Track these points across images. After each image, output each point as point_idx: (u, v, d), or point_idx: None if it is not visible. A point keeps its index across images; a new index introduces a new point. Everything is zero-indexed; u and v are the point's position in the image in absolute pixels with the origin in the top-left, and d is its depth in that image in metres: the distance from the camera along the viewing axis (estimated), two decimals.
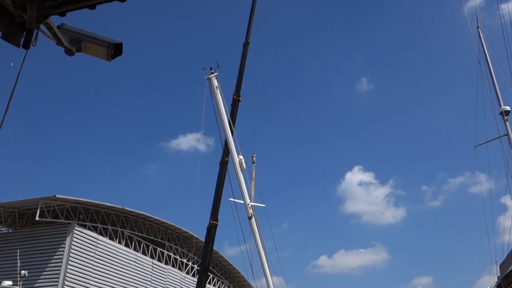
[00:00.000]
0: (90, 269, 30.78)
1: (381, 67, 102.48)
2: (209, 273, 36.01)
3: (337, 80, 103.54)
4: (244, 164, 21.64)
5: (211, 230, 21.18)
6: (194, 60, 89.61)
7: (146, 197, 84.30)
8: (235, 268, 49.09)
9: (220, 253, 46.15)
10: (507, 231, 26.14)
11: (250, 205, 21.75)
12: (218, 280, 48.03)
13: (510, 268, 20.04)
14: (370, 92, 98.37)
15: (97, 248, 31.79)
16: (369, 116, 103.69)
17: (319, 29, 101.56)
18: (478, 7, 31.85)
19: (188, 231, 41.45)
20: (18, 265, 22.38)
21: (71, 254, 29.30)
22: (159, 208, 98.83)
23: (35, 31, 3.45)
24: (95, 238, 31.79)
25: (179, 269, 41.74)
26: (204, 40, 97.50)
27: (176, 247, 41.96)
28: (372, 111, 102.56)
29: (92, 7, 3.46)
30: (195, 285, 24.92)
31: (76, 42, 3.83)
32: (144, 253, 37.25)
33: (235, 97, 23.30)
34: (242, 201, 21.70)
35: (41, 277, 28.74)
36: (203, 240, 21.78)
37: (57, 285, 28.11)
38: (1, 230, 32.86)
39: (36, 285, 27.78)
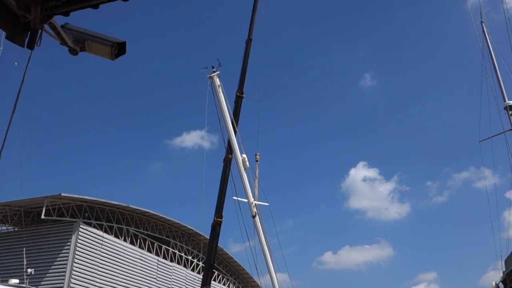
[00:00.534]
0: (96, 267, 30.94)
1: (384, 62, 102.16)
2: (214, 270, 36.14)
3: (340, 76, 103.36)
4: (247, 163, 21.64)
5: (216, 227, 21.25)
6: (197, 57, 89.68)
7: (151, 195, 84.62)
8: (240, 265, 49.21)
9: (225, 250, 46.26)
10: None
11: (254, 204, 21.76)
12: (223, 277, 48.17)
13: None
14: (374, 88, 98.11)
15: (103, 246, 31.93)
16: (373, 111, 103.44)
17: (321, 25, 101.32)
18: (482, 1, 31.66)
19: (193, 228, 41.60)
20: (25, 263, 22.52)
21: (77, 252, 29.46)
22: (164, 206, 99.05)
23: (39, 31, 3.47)
24: (101, 236, 31.93)
25: (184, 266, 41.89)
26: (207, 37, 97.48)
27: (181, 244, 42.10)
28: (376, 107, 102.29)
29: (96, 6, 3.48)
30: (200, 282, 24.99)
31: (80, 42, 3.85)
32: (149, 250, 37.39)
33: (238, 94, 23.26)
34: (246, 200, 21.72)
35: (48, 275, 28.92)
36: (208, 237, 21.86)
37: (63, 283, 28.28)
38: (7, 229, 33.07)
39: (43, 283, 27.96)
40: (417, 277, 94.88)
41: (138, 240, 36.38)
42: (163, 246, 39.29)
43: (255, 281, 50.45)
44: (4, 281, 19.68)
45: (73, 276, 28.72)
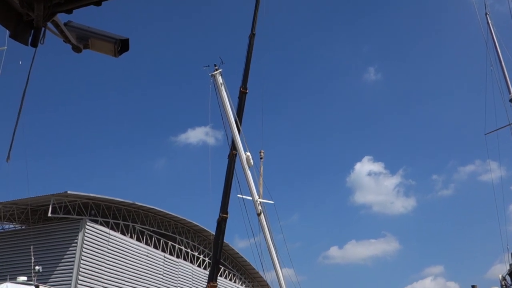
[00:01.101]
0: (103, 264, 31.13)
1: (388, 56, 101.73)
2: (220, 266, 36.26)
3: (345, 70, 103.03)
4: (251, 161, 21.56)
5: (221, 223, 21.30)
6: (201, 54, 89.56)
7: (156, 192, 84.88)
8: (246, 260, 49.32)
9: (230, 245, 46.39)
10: None
11: (258, 202, 21.72)
12: (229, 273, 48.34)
13: None
14: (378, 82, 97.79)
15: (109, 243, 32.11)
16: (377, 105, 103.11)
17: (325, 20, 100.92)
18: None
19: (198, 224, 41.73)
20: (32, 260, 22.67)
21: (84, 249, 29.64)
22: (169, 202, 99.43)
23: (43, 29, 3.49)
24: (107, 233, 32.11)
25: (191, 262, 42.06)
26: (211, 33, 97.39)
27: (187, 240, 42.25)
28: (380, 101, 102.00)
29: (98, 3, 3.48)
30: (206, 278, 25.10)
31: (83, 39, 3.86)
32: (155, 247, 37.56)
33: (242, 89, 23.20)
34: (251, 198, 21.69)
35: (55, 272, 29.15)
36: (214, 233, 21.92)
37: (71, 280, 28.50)
38: (15, 227, 33.31)
39: (51, 280, 28.17)
40: (424, 271, 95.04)
41: (145, 237, 36.55)
42: (169, 243, 39.45)
43: (261, 277, 50.61)
44: (12, 279, 19.83)
45: (80, 273, 28.92)
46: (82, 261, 29.24)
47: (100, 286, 30.40)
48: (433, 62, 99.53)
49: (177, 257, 40.02)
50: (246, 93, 23.23)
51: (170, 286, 37.86)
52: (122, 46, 3.96)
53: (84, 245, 29.74)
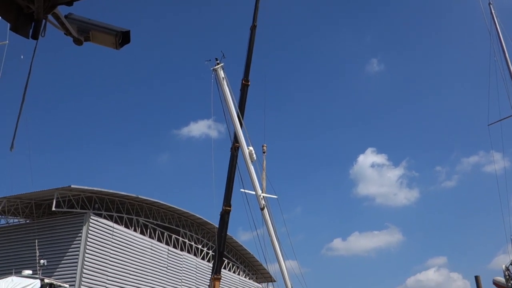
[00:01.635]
0: (107, 257, 31.28)
1: (391, 47, 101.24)
2: (224, 258, 36.38)
3: (347, 61, 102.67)
4: (254, 156, 21.49)
5: (224, 216, 21.35)
6: (203, 46, 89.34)
7: (159, 185, 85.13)
8: (250, 253, 49.47)
9: (234, 238, 46.52)
10: None
11: (262, 196, 21.68)
12: (233, 265, 48.53)
13: None
14: (381, 73, 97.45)
15: (113, 236, 32.25)
16: (380, 97, 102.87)
17: (327, 11, 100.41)
18: None
19: (202, 217, 41.85)
20: (37, 254, 22.79)
21: (88, 243, 29.77)
22: (173, 196, 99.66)
23: (43, 21, 3.47)
24: (111, 227, 32.23)
25: (194, 255, 42.23)
26: (214, 26, 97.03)
27: (191, 233, 42.40)
28: (384, 92, 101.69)
29: None
30: (210, 270, 25.22)
31: (84, 32, 3.84)
32: (159, 240, 37.71)
33: (243, 81, 23.13)
34: (254, 193, 21.65)
35: (60, 265, 29.32)
36: (217, 226, 21.95)
37: (75, 273, 28.66)
38: (19, 221, 33.47)
39: (55, 273, 28.34)
40: (427, 262, 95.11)
41: (148, 230, 36.69)
42: (173, 236, 39.60)
43: (265, 269, 50.84)
44: (18, 272, 19.95)
45: (85, 266, 29.09)
46: (86, 255, 29.38)
47: (104, 279, 30.58)
48: (436, 53, 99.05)
49: (181, 250, 40.18)
50: (248, 85, 23.16)
51: (174, 278, 38.06)
52: (123, 38, 3.93)
53: (88, 239, 29.88)
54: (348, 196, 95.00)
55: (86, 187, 30.61)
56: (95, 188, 31.36)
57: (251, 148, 21.44)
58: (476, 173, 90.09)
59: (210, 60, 21.20)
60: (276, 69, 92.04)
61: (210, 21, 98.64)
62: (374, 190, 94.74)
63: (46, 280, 19.72)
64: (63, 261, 29.45)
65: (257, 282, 53.70)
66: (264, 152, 24.15)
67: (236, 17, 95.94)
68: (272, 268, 23.49)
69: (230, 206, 21.35)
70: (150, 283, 35.01)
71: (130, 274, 33.12)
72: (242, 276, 50.32)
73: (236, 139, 21.61)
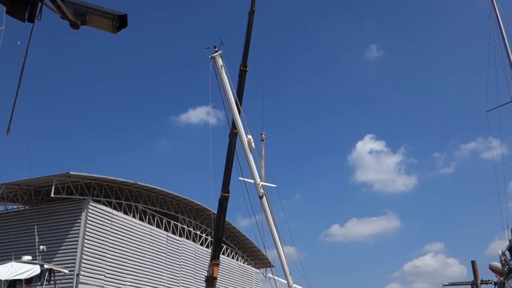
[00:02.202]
0: (106, 243, 31.45)
1: (390, 33, 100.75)
2: (222, 244, 36.59)
3: (346, 48, 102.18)
4: (253, 144, 21.37)
5: (223, 202, 21.42)
6: (202, 33, 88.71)
7: (158, 171, 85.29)
8: (248, 239, 49.78)
9: (233, 224, 46.76)
10: None
11: (260, 185, 21.62)
12: (232, 251, 48.86)
13: None
14: (380, 59, 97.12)
15: (112, 223, 32.38)
16: (379, 83, 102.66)
17: None
18: None
19: (200, 203, 42.00)
20: (36, 240, 22.88)
21: (87, 229, 29.90)
22: (171, 182, 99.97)
23: (39, 4, 3.44)
24: (110, 213, 32.34)
25: (193, 241, 42.48)
26: (213, 13, 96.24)
27: (189, 219, 42.58)
28: (382, 79, 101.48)
29: None
30: (209, 256, 25.37)
31: (80, 15, 3.80)
32: (158, 226, 37.88)
33: (242, 67, 23.01)
34: (252, 181, 21.58)
35: (59, 251, 29.48)
36: (216, 212, 22.02)
37: (75, 259, 28.84)
38: (18, 208, 33.55)
39: (55, 259, 28.52)
40: (424, 247, 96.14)
41: (147, 216, 36.83)
42: (172, 222, 39.77)
43: (263, 254, 51.17)
44: (17, 258, 20.08)
45: (84, 252, 29.25)
46: (85, 241, 29.53)
47: (103, 264, 30.78)
48: (435, 40, 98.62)
49: (180, 236, 40.40)
50: (246, 71, 23.06)
51: (173, 264, 38.33)
52: (120, 22, 3.90)
53: (88, 225, 30.00)
54: (347, 182, 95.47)
55: (84, 174, 30.64)
56: (94, 175, 31.39)
57: (249, 136, 21.31)
58: (474, 160, 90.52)
59: (208, 47, 21.04)
60: (274, 56, 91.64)
61: (209, 9, 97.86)
62: (372, 176, 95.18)
63: (46, 266, 19.86)
64: (62, 247, 29.61)
65: (256, 268, 54.14)
66: (262, 140, 24.05)
67: (236, 5, 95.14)
68: (270, 254, 23.58)
69: (228, 193, 21.40)
70: (149, 269, 35.27)
71: (129, 260, 33.33)
72: (240, 261, 50.71)
73: (234, 126, 21.56)
